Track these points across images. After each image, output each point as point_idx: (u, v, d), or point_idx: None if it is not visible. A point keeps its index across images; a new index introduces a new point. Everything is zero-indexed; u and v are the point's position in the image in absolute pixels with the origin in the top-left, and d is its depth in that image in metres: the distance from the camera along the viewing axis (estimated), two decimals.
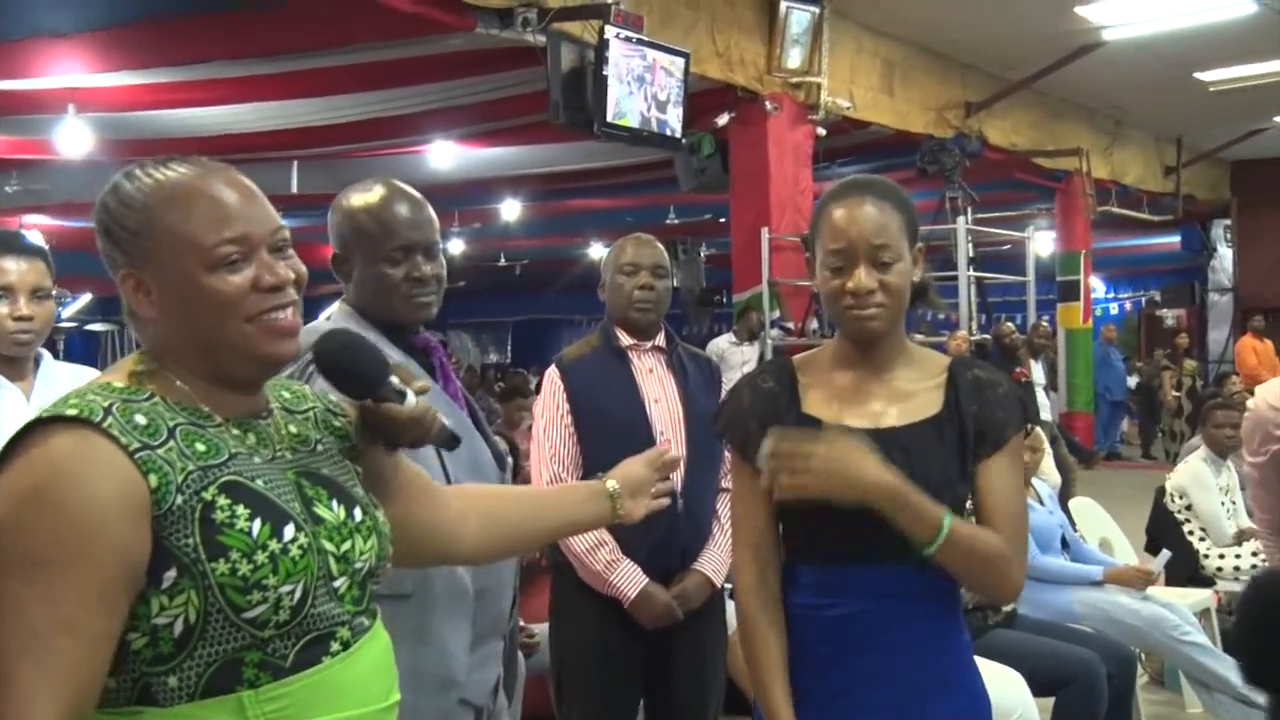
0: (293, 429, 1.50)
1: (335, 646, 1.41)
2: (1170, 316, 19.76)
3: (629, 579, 3.07)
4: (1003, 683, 3.79)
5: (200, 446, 1.36)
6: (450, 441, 1.69)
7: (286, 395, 1.56)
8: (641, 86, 6.99)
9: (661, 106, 7.21)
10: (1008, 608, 4.49)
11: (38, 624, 1.25)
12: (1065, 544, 4.86)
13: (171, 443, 1.34)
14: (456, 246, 16.40)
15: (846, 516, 1.83)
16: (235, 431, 1.42)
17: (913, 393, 1.94)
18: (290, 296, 1.43)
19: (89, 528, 1.26)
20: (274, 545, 1.34)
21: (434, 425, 1.61)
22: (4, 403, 2.69)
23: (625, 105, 6.93)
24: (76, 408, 1.31)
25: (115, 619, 1.29)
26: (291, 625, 1.36)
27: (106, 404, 1.33)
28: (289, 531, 1.37)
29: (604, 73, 6.74)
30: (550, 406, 3.22)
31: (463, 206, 13.85)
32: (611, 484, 1.90)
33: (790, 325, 9.27)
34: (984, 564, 1.84)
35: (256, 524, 1.34)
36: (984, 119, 11.44)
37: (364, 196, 2.21)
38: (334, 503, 1.45)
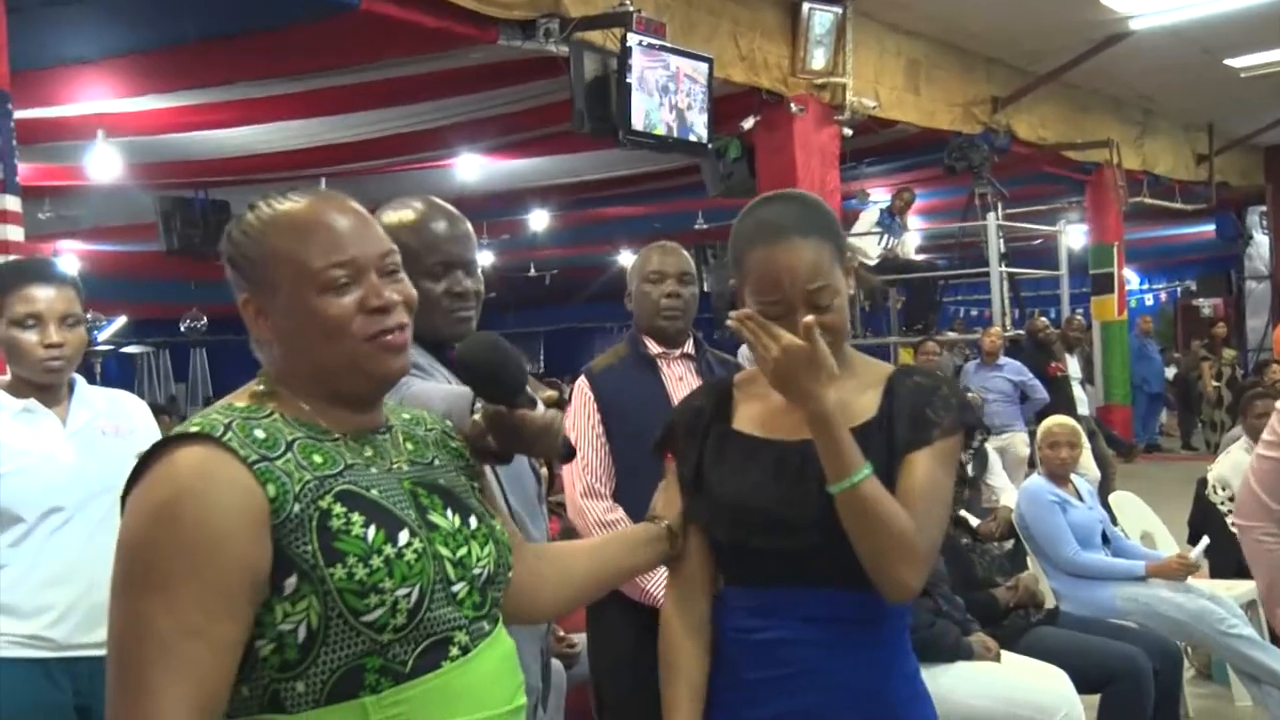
0: (410, 445, 1.57)
1: (454, 651, 1.45)
2: (1207, 306, 19.59)
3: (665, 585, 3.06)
4: (1047, 681, 3.76)
5: (317, 458, 1.43)
6: (569, 454, 1.73)
7: (406, 417, 1.62)
8: (665, 93, 6.98)
9: (686, 112, 7.20)
10: (1049, 606, 4.45)
11: (166, 632, 1.31)
12: (1106, 539, 4.82)
13: (289, 454, 1.41)
14: (486, 258, 16.44)
15: (781, 535, 1.79)
16: (353, 445, 1.48)
17: (848, 402, 1.83)
18: (399, 318, 1.50)
19: (212, 538, 1.33)
20: (389, 550, 1.40)
21: (561, 435, 1.67)
22: (41, 427, 2.72)
23: (650, 113, 6.92)
24: (199, 425, 1.40)
25: (241, 626, 1.35)
26: (409, 629, 1.41)
27: (227, 420, 1.41)
28: (403, 537, 1.42)
29: (627, 81, 6.73)
30: (581, 417, 3.21)
31: (491, 218, 13.89)
32: (665, 523, 1.93)
33: None
34: (886, 537, 1.71)
35: (371, 530, 1.40)
36: (1011, 114, 11.36)
37: (402, 214, 2.21)
38: (449, 511, 1.51)
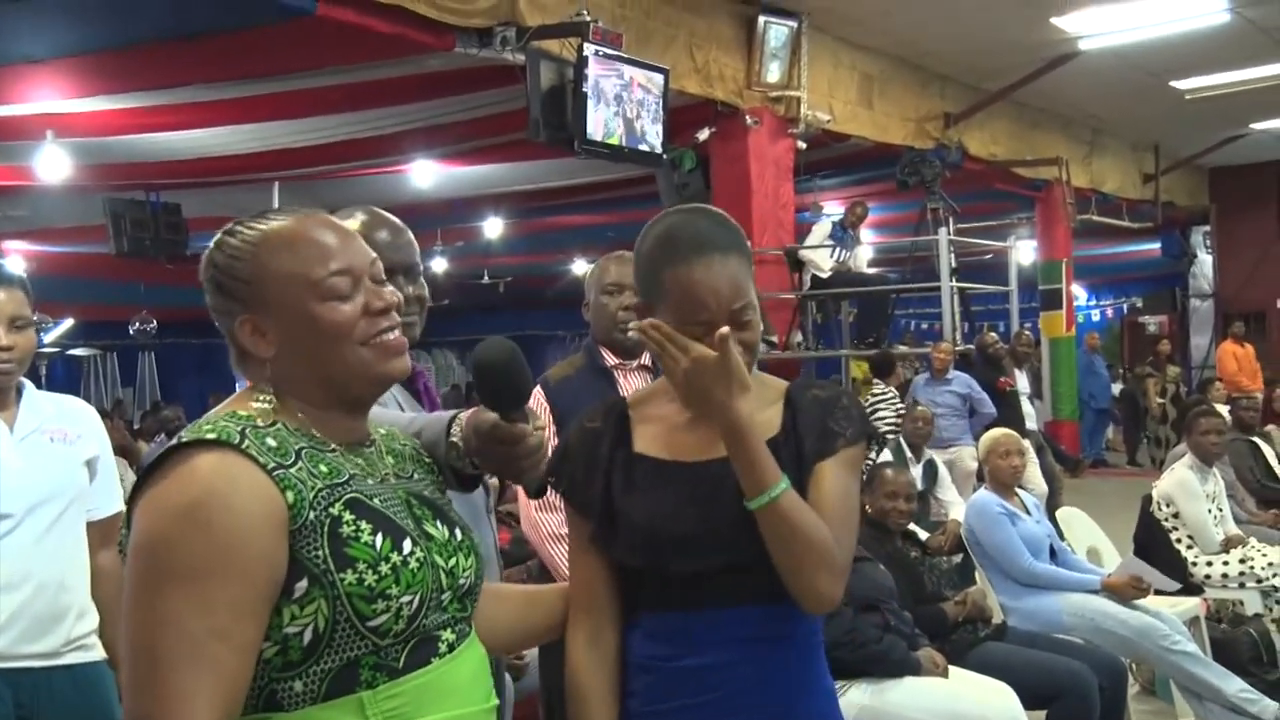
0: (391, 458, 1.61)
1: (442, 648, 1.50)
2: (1152, 323, 19.85)
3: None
4: (994, 696, 3.79)
5: (323, 467, 1.46)
6: (541, 490, 1.75)
7: (382, 431, 1.66)
8: (620, 103, 7.00)
9: (641, 123, 7.22)
10: (996, 620, 4.49)
11: (195, 632, 1.33)
12: (1054, 553, 4.86)
13: (300, 463, 1.44)
14: (440, 265, 16.37)
15: (701, 557, 1.75)
16: (349, 456, 1.52)
17: (754, 419, 1.75)
18: (396, 319, 1.55)
19: (239, 542, 1.36)
20: (395, 558, 1.44)
21: (542, 464, 1.70)
22: None
23: (605, 122, 6.93)
24: (214, 432, 1.42)
25: (261, 628, 1.38)
26: (405, 634, 1.45)
27: (239, 428, 1.43)
28: (407, 545, 1.47)
29: (583, 90, 6.74)
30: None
31: (445, 225, 13.84)
32: None
33: (773, 339, 9.27)
34: (806, 548, 1.69)
35: (379, 538, 1.44)
36: (963, 130, 11.48)
37: (346, 224, 2.20)
38: (438, 522, 1.56)
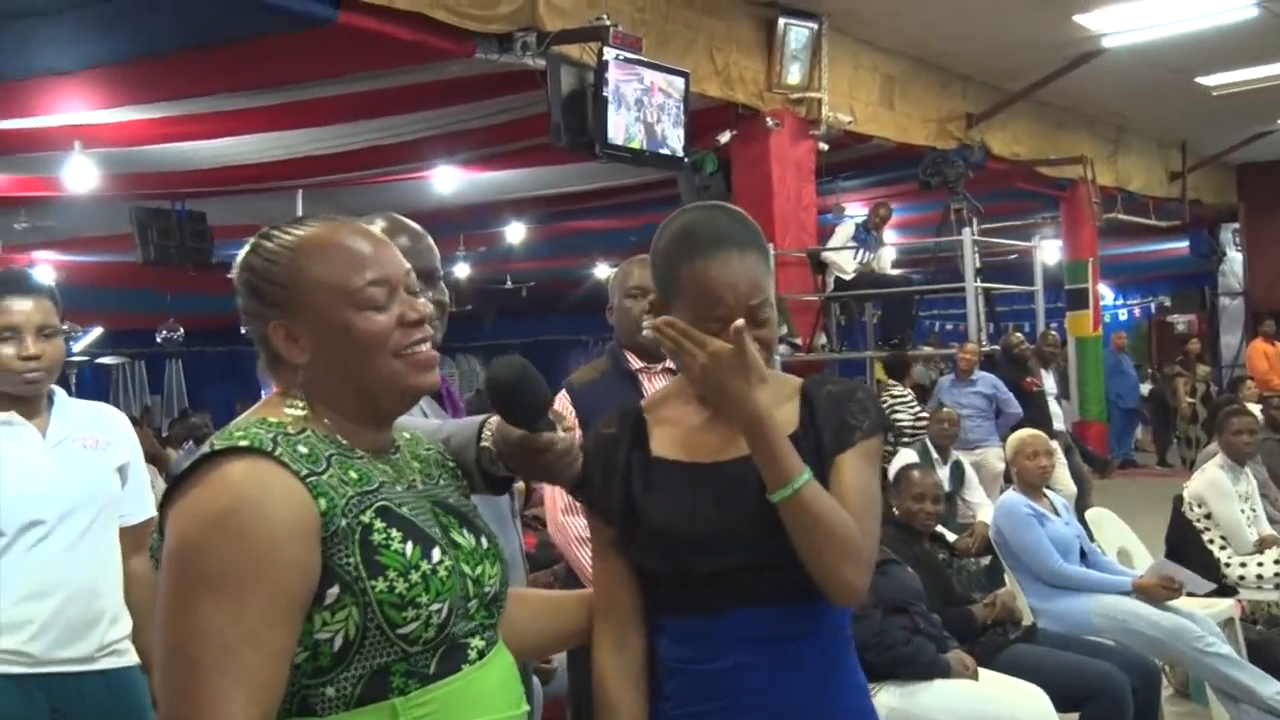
0: (416, 464, 1.60)
1: (472, 655, 1.51)
2: (1181, 322, 19.72)
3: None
4: (1025, 698, 3.77)
5: (353, 474, 1.46)
6: (584, 483, 1.75)
7: (407, 436, 1.66)
8: (641, 107, 7.00)
9: (662, 126, 7.22)
10: (1026, 622, 4.46)
11: (229, 639, 1.34)
12: (1084, 554, 4.83)
13: (331, 470, 1.44)
14: (463, 270, 16.41)
15: (726, 557, 1.74)
16: (376, 463, 1.52)
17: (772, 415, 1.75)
18: (428, 332, 1.56)
19: (273, 549, 1.36)
20: (425, 566, 1.44)
21: (579, 460, 1.70)
22: (20, 440, 2.70)
23: (626, 126, 6.94)
24: (246, 439, 1.42)
25: (294, 634, 1.38)
26: (434, 641, 1.45)
27: (271, 435, 1.43)
28: (436, 554, 1.47)
29: (604, 94, 6.75)
30: None
31: (468, 230, 13.88)
32: None
33: (797, 341, 9.25)
34: (831, 540, 1.68)
35: (409, 546, 1.44)
36: (986, 130, 11.44)
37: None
38: (465, 530, 1.56)
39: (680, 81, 7.34)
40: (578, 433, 1.72)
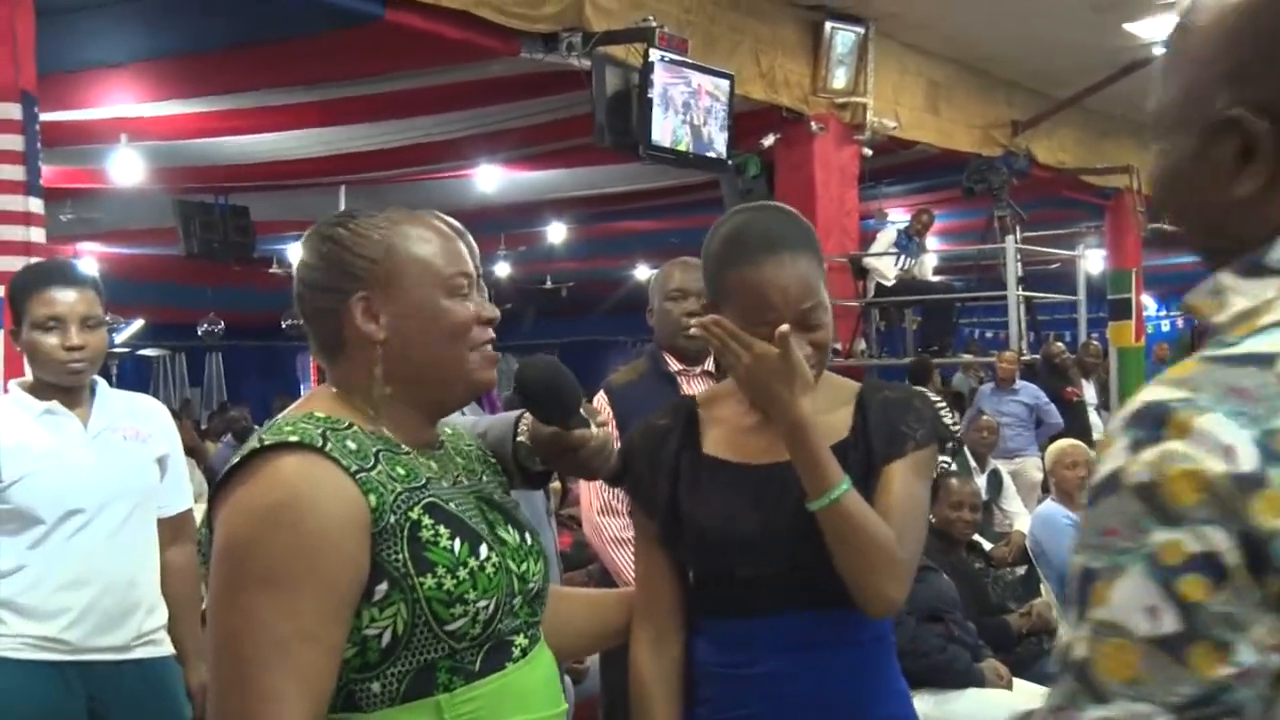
0: (460, 460, 1.60)
1: (516, 653, 1.49)
2: None
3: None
4: None
5: (401, 470, 1.45)
6: (620, 477, 1.75)
7: (449, 431, 1.66)
8: (688, 110, 6.99)
9: (708, 129, 7.21)
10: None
11: (282, 635, 1.33)
12: None
13: (380, 466, 1.43)
14: (503, 270, 16.45)
15: (766, 562, 1.72)
16: (421, 459, 1.51)
17: (823, 420, 1.73)
18: (493, 334, 1.57)
19: (325, 545, 1.35)
20: (473, 563, 1.43)
21: (613, 454, 1.69)
22: (62, 430, 2.73)
23: (673, 129, 6.93)
24: (295, 434, 1.40)
25: (345, 630, 1.37)
26: (480, 638, 1.44)
27: (319, 430, 1.42)
28: (483, 551, 1.46)
29: (648, 96, 6.74)
30: None
31: (509, 230, 13.91)
32: None
33: (837, 346, 9.21)
34: (868, 551, 1.65)
35: (456, 543, 1.43)
36: (1031, 137, 11.34)
37: None
38: (509, 527, 1.55)
39: (725, 84, 7.33)
40: (613, 428, 1.71)
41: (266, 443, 1.40)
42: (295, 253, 11.15)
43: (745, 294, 1.73)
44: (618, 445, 1.81)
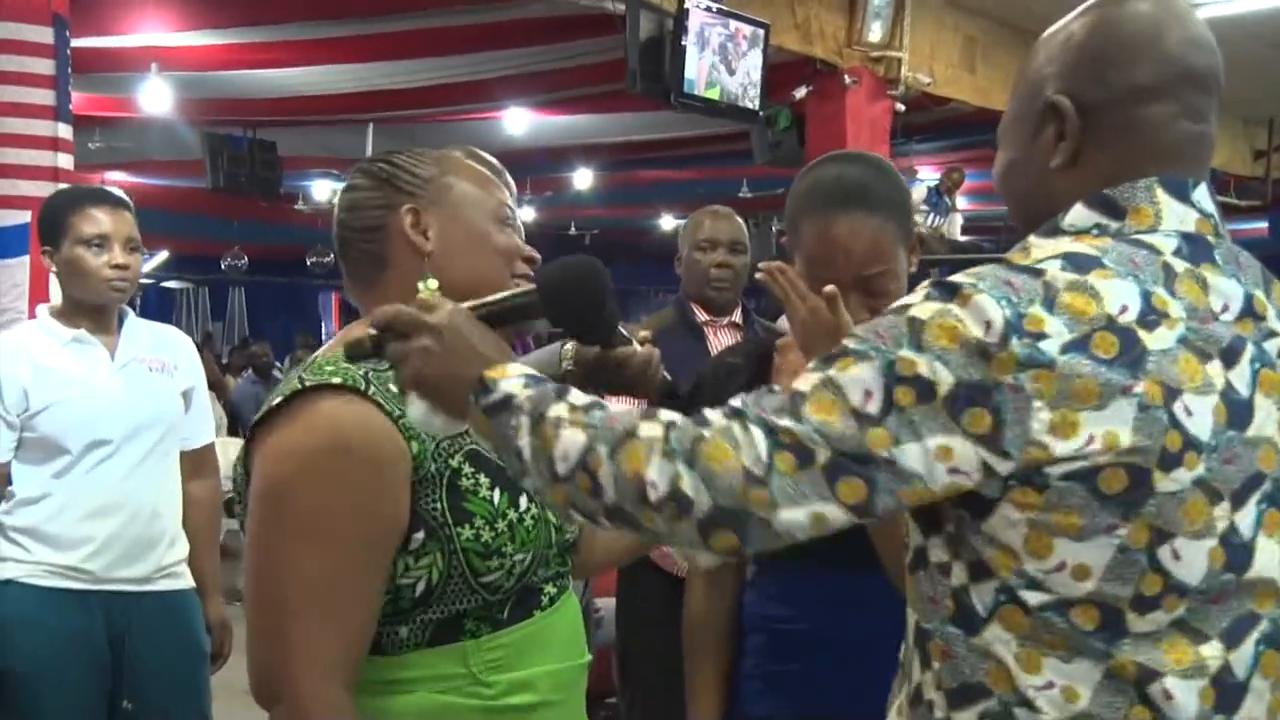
0: None
1: (544, 600, 1.48)
2: None
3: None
4: None
5: None
6: (671, 394, 1.65)
7: None
8: (725, 55, 6.90)
9: (740, 78, 7.12)
10: None
11: (321, 581, 1.31)
12: None
13: None
14: (528, 214, 16.38)
15: None
16: None
17: None
18: (531, 274, 1.55)
19: (368, 491, 1.32)
20: (512, 515, 1.41)
21: (661, 371, 1.62)
22: (89, 358, 2.72)
23: (703, 76, 6.85)
24: (339, 375, 1.36)
25: (384, 578, 1.35)
26: (515, 589, 1.42)
27: (363, 373, 1.37)
28: (523, 502, 1.43)
29: (683, 43, 6.66)
30: None
31: (535, 174, 13.82)
32: None
33: None
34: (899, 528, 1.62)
35: (496, 493, 1.40)
36: None
37: None
38: None
39: (761, 33, 7.23)
40: (653, 349, 1.63)
41: (308, 384, 1.36)
42: (321, 189, 11.07)
43: (811, 244, 1.71)
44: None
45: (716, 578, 1.83)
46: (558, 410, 1.20)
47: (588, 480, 1.16)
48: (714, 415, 1.15)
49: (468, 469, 1.39)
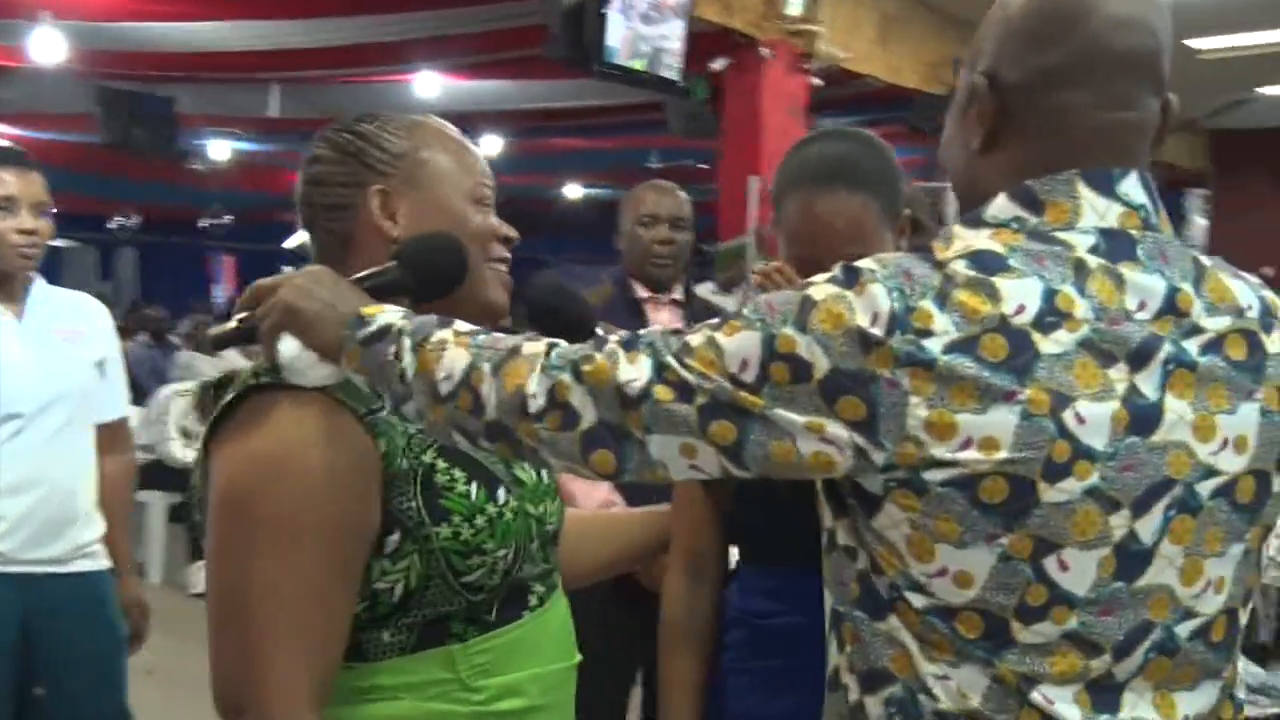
0: None
1: (533, 601, 1.41)
2: None
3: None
4: None
5: None
6: None
7: None
8: (647, 23, 6.81)
9: (661, 48, 7.04)
10: None
11: (285, 592, 1.22)
12: None
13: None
14: None
15: (803, 508, 1.64)
16: None
17: None
18: (509, 255, 1.49)
19: (333, 495, 1.24)
20: (491, 509, 1.33)
21: None
22: None
23: (625, 44, 6.75)
24: None
25: (356, 585, 1.27)
26: (500, 588, 1.35)
27: None
28: (501, 494, 1.36)
29: (603, 11, 6.55)
30: None
31: None
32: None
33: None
34: None
35: (474, 487, 1.33)
36: None
37: None
38: (525, 464, 1.44)
39: (684, 2, 7.15)
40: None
41: (264, 380, 1.27)
42: (219, 149, 10.75)
43: (793, 221, 1.67)
44: None
45: (699, 566, 1.76)
46: (442, 334, 1.21)
47: (470, 397, 1.17)
48: (608, 343, 1.18)
49: (442, 464, 1.31)
